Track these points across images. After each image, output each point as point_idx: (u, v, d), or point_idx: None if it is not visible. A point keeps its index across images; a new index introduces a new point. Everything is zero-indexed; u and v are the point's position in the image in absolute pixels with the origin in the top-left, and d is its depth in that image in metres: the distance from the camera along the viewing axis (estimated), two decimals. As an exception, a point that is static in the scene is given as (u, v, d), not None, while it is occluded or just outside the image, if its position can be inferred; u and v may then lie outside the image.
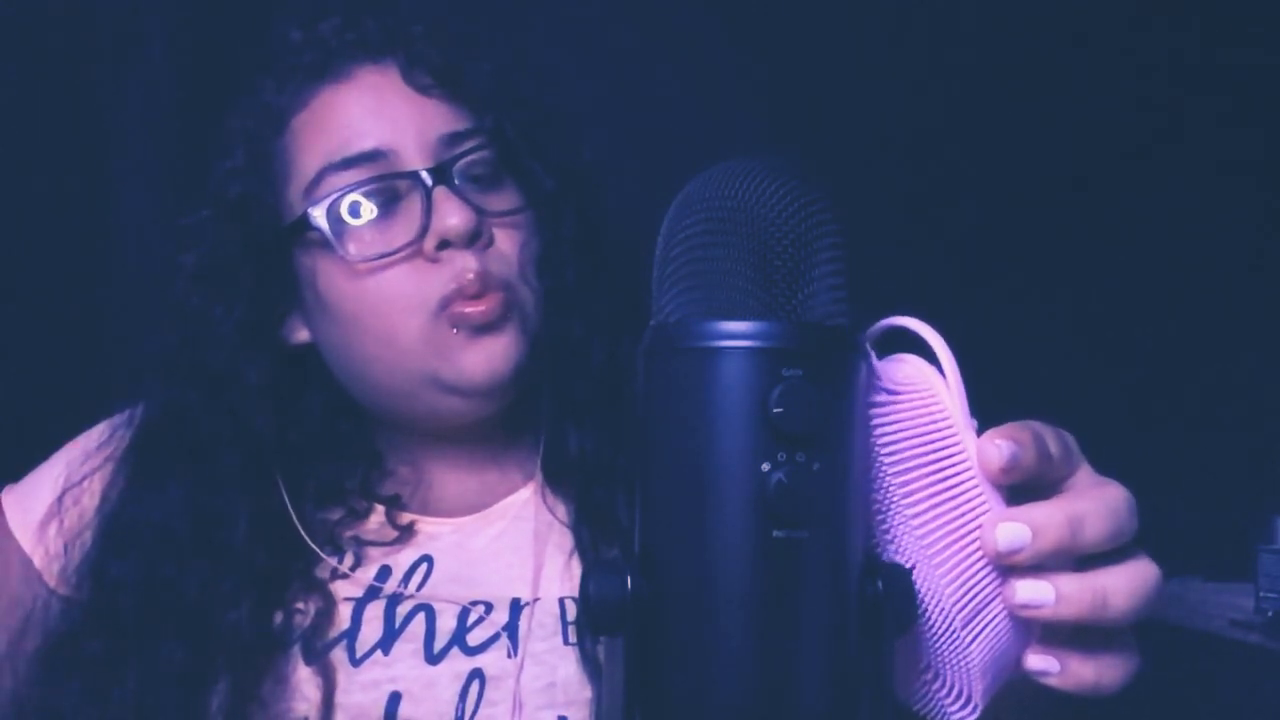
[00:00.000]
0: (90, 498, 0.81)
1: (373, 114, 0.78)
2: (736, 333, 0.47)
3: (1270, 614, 0.94)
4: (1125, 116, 1.28)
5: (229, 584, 0.76)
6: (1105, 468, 1.27)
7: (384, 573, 0.80)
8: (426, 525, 0.83)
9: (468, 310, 0.76)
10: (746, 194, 0.49)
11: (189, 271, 0.82)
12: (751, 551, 0.47)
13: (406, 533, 0.83)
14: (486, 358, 0.78)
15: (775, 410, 0.46)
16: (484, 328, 0.77)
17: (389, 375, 0.79)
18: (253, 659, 0.75)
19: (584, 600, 0.48)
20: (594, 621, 0.48)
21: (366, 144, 0.77)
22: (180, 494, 0.78)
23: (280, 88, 0.81)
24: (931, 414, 0.52)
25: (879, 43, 1.27)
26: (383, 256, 0.76)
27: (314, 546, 0.80)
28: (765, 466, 0.46)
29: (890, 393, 0.51)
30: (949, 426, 0.51)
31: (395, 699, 0.75)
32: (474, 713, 0.75)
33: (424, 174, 0.76)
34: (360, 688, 0.75)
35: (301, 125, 0.80)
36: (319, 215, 0.77)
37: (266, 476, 0.80)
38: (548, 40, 1.24)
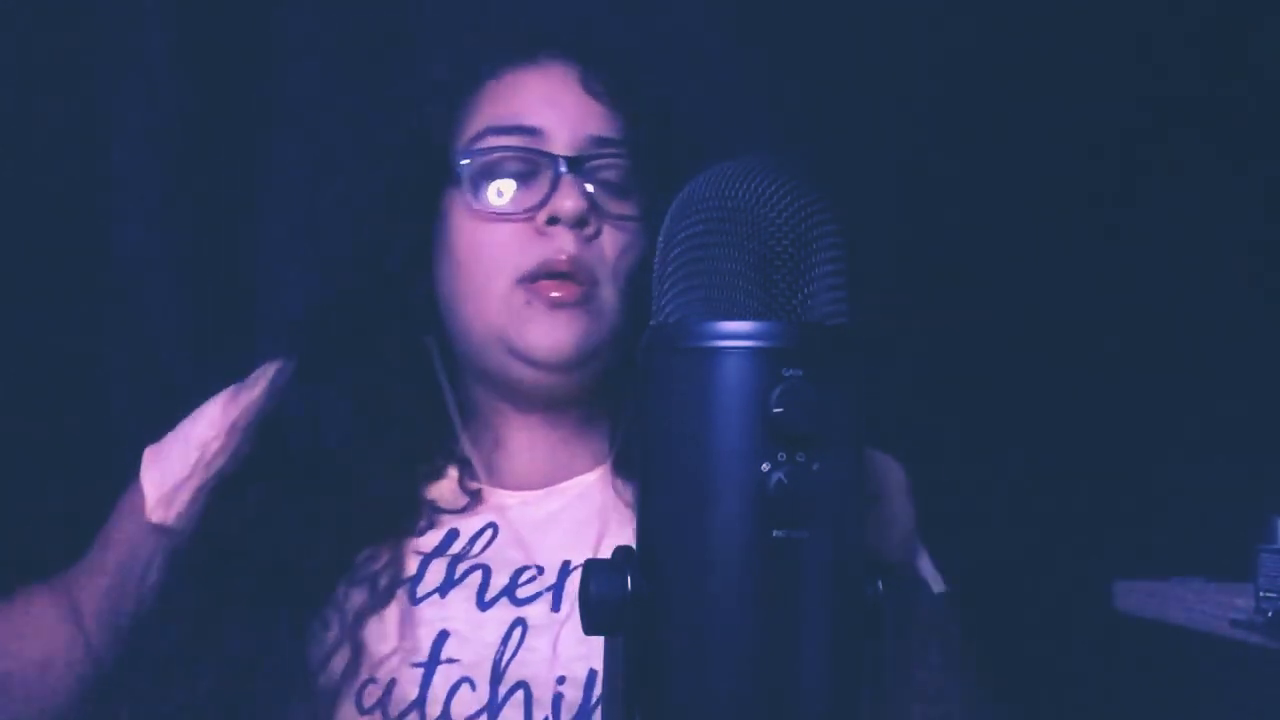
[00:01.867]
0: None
1: (545, 99, 0.89)
2: (737, 333, 0.47)
3: (1270, 614, 0.94)
4: (1126, 117, 1.28)
5: (384, 460, 0.86)
6: (1106, 467, 1.27)
7: (452, 535, 0.87)
8: (495, 495, 0.89)
9: (548, 292, 0.84)
10: (746, 194, 0.49)
11: (372, 186, 0.94)
12: (752, 551, 0.47)
13: (475, 499, 0.89)
14: (550, 332, 0.84)
15: (775, 410, 0.46)
16: (557, 306, 0.84)
17: (473, 322, 0.87)
18: (391, 526, 0.85)
19: (584, 600, 0.48)
20: (594, 621, 0.48)
21: (529, 120, 0.87)
22: (348, 381, 0.88)
23: (485, 56, 0.92)
24: None
25: (880, 43, 1.26)
26: (500, 214, 0.86)
27: (456, 420, 0.90)
28: (765, 466, 0.46)
29: None
30: None
31: (443, 636, 0.82)
32: (513, 655, 0.81)
33: (562, 159, 0.86)
34: (415, 623, 0.82)
35: (489, 90, 0.90)
36: (469, 164, 0.87)
37: (426, 365, 0.91)
38: (544, 39, 1.24)
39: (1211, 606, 1.01)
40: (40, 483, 1.07)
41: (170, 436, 0.94)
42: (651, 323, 0.51)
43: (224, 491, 0.86)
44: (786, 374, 0.47)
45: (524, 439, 0.91)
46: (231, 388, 0.94)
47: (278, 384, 0.90)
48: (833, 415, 0.47)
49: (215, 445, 0.88)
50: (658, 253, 0.53)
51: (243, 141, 1.21)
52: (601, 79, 0.90)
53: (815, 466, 0.47)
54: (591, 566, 0.49)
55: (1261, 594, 0.95)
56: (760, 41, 1.26)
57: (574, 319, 0.85)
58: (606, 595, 0.48)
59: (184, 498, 0.87)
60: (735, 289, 0.48)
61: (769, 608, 0.47)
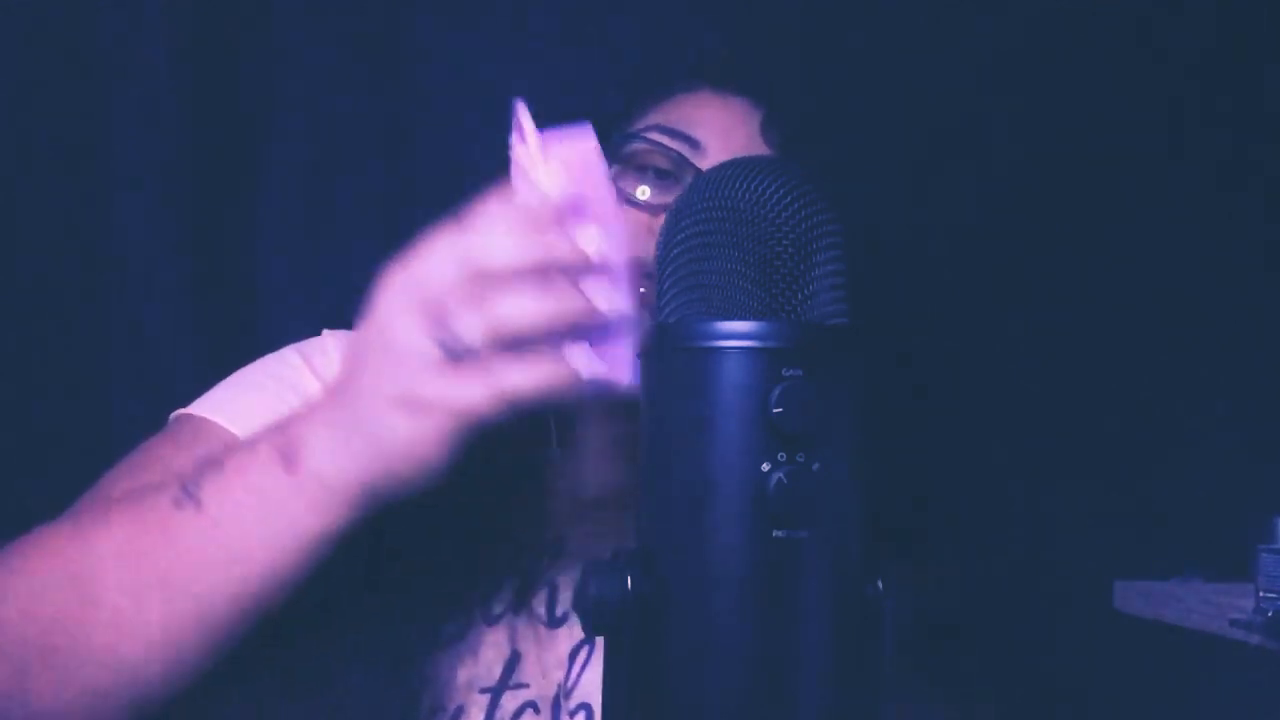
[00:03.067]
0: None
1: (719, 125, 0.91)
2: (737, 333, 0.47)
3: (1270, 614, 0.94)
4: (1126, 116, 1.28)
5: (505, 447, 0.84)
6: (1106, 466, 1.26)
7: (520, 546, 0.86)
8: (566, 504, 0.87)
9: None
10: (747, 194, 0.49)
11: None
12: (752, 551, 0.47)
13: (552, 512, 0.87)
14: None
15: (775, 410, 0.46)
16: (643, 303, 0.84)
17: None
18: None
19: (584, 600, 0.48)
20: (594, 621, 0.48)
21: (695, 133, 0.90)
22: None
23: (689, 70, 0.95)
24: None
25: (882, 42, 1.26)
26: (629, 198, 0.89)
27: (551, 420, 0.89)
28: (765, 466, 0.46)
29: None
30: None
31: (515, 659, 0.82)
32: (579, 676, 0.82)
33: None
34: (486, 645, 0.82)
35: (676, 97, 0.93)
36: (625, 145, 0.91)
37: None
38: (545, 39, 1.24)
39: (1211, 606, 1.01)
40: (40, 483, 1.07)
41: (233, 389, 0.87)
42: (652, 323, 0.51)
43: None
44: (787, 374, 0.47)
45: (599, 454, 0.89)
46: (292, 349, 0.90)
47: None
48: (833, 415, 0.47)
49: None
50: (658, 253, 0.53)
51: (243, 142, 1.21)
52: (779, 130, 0.91)
53: (815, 466, 0.47)
54: (592, 566, 0.49)
55: (1261, 594, 0.95)
56: (760, 41, 1.26)
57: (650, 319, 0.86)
58: (606, 595, 0.48)
59: None
60: (735, 289, 0.48)
61: (769, 607, 0.47)
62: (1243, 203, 1.27)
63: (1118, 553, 1.22)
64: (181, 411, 0.87)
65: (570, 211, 0.58)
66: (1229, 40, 1.26)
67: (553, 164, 0.60)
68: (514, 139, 0.63)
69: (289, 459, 0.63)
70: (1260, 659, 0.95)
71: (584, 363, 0.58)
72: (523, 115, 0.62)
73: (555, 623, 0.84)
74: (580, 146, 0.61)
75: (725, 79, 0.94)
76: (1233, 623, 0.96)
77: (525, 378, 0.56)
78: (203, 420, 0.85)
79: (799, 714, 0.47)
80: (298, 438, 0.63)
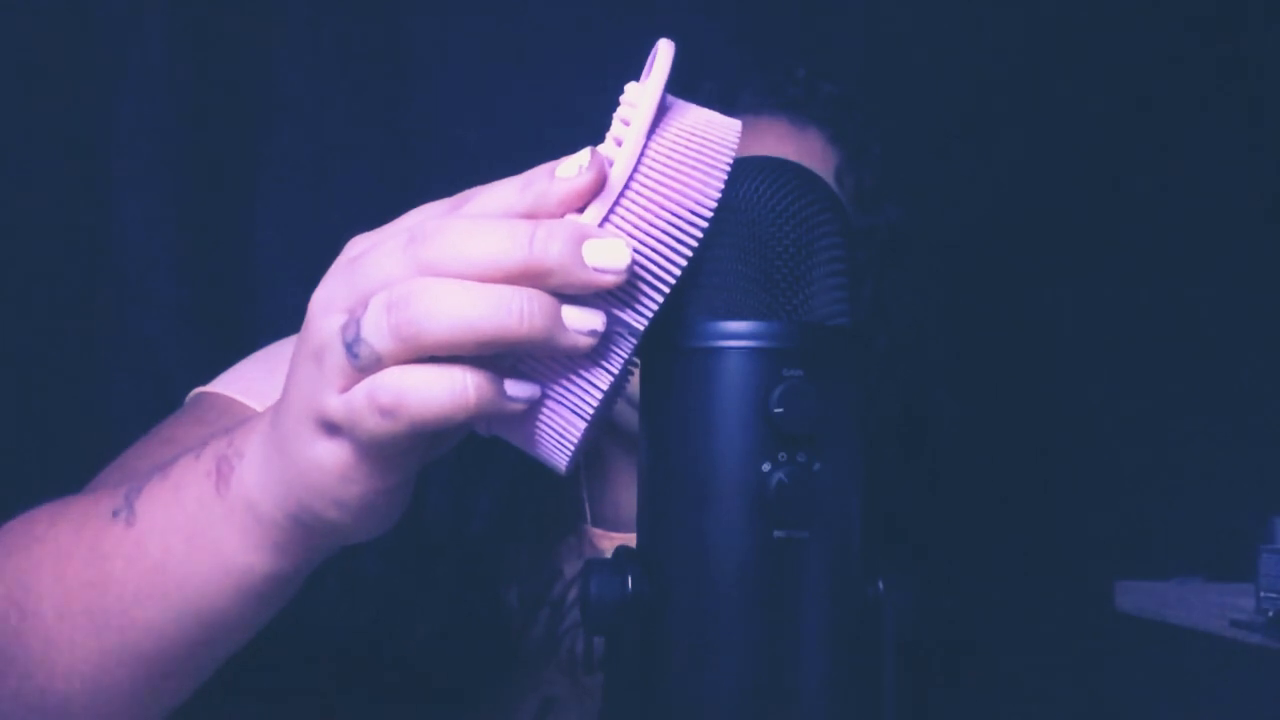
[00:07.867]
0: None
1: (790, 156, 0.86)
2: (738, 333, 0.47)
3: (1271, 614, 0.94)
4: (1125, 115, 1.28)
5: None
6: (1105, 466, 1.26)
7: (554, 575, 0.83)
8: (600, 539, 0.86)
9: None
10: (747, 195, 0.49)
11: None
12: (752, 552, 0.47)
13: (579, 540, 0.85)
14: None
15: (776, 410, 0.46)
16: None
17: None
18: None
19: (584, 600, 0.48)
20: (594, 621, 0.48)
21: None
22: None
23: (767, 93, 0.90)
24: None
25: (886, 41, 1.26)
26: None
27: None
28: (766, 466, 0.46)
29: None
30: None
31: (547, 706, 0.78)
32: None
33: None
34: (519, 689, 0.78)
35: (750, 121, 0.87)
36: None
37: None
38: (544, 36, 1.24)
39: (1211, 606, 1.01)
40: (39, 483, 1.07)
41: (254, 366, 0.81)
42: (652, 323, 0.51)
43: None
44: (787, 374, 0.47)
45: (627, 483, 0.88)
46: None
47: None
48: (833, 415, 0.47)
49: None
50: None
51: (243, 141, 1.21)
52: (855, 176, 0.87)
53: (816, 466, 0.47)
54: (592, 566, 0.49)
55: (1261, 594, 0.95)
56: (762, 39, 1.26)
57: None
58: (606, 595, 0.48)
59: None
60: (737, 289, 0.48)
61: (769, 608, 0.47)
62: (1244, 204, 1.27)
63: (1118, 553, 1.22)
64: (200, 389, 0.80)
65: (631, 211, 0.45)
66: (1230, 39, 1.26)
67: (657, 134, 0.45)
68: (627, 90, 0.47)
69: (222, 476, 0.52)
70: (1260, 659, 0.96)
71: (510, 398, 0.45)
72: (664, 56, 0.47)
73: (589, 670, 0.80)
74: (709, 121, 0.47)
75: (811, 109, 0.89)
76: (1233, 623, 0.96)
77: (421, 397, 0.43)
78: (219, 396, 0.78)
79: (800, 715, 0.47)
80: (235, 453, 0.52)
